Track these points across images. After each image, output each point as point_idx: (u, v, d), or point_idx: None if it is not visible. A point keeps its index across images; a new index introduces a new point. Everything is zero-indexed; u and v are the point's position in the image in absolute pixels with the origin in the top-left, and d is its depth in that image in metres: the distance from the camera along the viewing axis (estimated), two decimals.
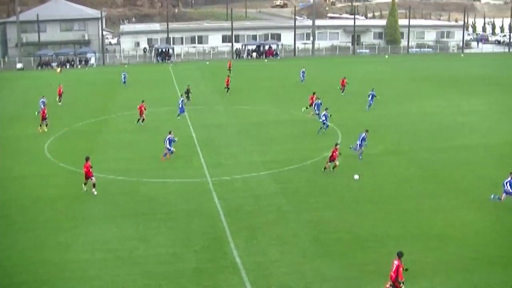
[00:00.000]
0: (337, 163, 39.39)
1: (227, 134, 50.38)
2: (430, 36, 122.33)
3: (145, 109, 52.61)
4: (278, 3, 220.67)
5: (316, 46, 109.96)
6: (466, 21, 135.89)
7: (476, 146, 46.98)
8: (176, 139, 43.14)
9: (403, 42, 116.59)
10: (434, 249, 28.77)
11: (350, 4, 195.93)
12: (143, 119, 52.62)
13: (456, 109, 59.85)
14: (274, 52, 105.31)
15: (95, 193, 35.59)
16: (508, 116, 58.01)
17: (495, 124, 54.50)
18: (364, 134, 42.88)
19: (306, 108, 57.77)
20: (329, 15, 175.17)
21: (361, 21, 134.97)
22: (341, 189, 36.91)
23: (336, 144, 40.19)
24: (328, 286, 25.36)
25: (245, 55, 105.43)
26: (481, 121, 55.28)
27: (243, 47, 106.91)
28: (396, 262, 23.83)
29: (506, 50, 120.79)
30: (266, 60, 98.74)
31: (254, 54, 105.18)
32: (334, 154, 39.28)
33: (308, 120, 54.85)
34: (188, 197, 35.70)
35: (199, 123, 52.55)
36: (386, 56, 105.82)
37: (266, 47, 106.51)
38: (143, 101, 53.58)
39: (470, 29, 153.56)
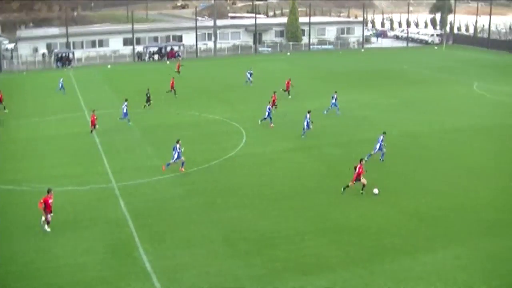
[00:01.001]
0: (365, 181, 36.03)
1: (130, 138, 49.81)
2: (331, 33, 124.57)
3: (96, 119, 50.28)
4: (178, 4, 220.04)
5: (218, 46, 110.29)
6: (365, 17, 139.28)
7: (374, 139, 48.20)
8: (183, 148, 40.80)
9: (304, 40, 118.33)
10: (339, 242, 29.57)
11: (251, 3, 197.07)
12: (94, 128, 50.48)
13: (357, 104, 61.39)
14: (176, 54, 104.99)
15: (48, 230, 31.29)
16: (405, 108, 60.09)
17: (393, 116, 56.27)
18: (382, 137, 42.63)
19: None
20: (230, 14, 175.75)
21: (262, 19, 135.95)
22: (246, 188, 37.28)
23: (361, 160, 36.68)
24: (238, 286, 25.65)
25: (147, 58, 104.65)
26: (381, 114, 56.91)
27: (145, 49, 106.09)
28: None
29: (404, 44, 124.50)
30: (168, 62, 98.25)
31: (156, 56, 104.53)
32: (360, 170, 35.88)
33: (209, 121, 54.94)
34: (92, 204, 35.14)
35: (101, 127, 51.85)
36: (288, 54, 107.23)
37: (168, 49, 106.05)
38: (93, 111, 51.26)
39: (370, 24, 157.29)
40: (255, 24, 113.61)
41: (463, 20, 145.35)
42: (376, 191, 36.16)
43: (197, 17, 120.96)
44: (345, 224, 31.80)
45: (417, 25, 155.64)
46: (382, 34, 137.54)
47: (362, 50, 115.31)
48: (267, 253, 28.35)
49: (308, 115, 48.29)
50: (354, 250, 28.65)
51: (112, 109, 58.78)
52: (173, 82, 67.10)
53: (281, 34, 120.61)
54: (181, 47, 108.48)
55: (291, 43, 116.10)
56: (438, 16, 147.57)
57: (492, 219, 32.67)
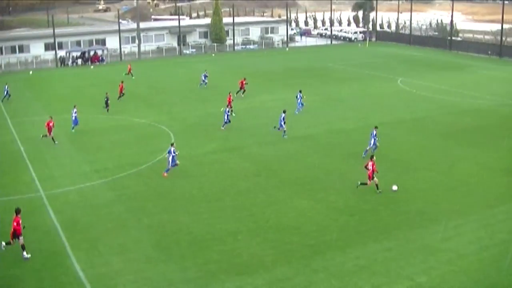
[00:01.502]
0: (376, 180, 36.19)
1: (55, 145, 48.69)
2: (255, 33, 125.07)
3: (53, 126, 48.54)
4: (100, 7, 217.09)
5: (142, 48, 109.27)
6: (289, 16, 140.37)
7: (302, 137, 48.96)
8: (177, 152, 40.54)
9: (229, 40, 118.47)
10: (272, 241, 29.78)
11: (174, 4, 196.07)
12: (48, 136, 48.74)
13: (282, 102, 61.67)
14: (100, 58, 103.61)
15: (27, 256, 28.72)
16: (328, 106, 60.90)
17: (320, 114, 56.98)
18: (374, 131, 43.30)
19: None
20: (153, 17, 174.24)
21: (186, 21, 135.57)
22: (177, 191, 37.10)
23: (372, 157, 36.89)
24: None
25: (70, 62, 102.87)
26: (308, 112, 57.42)
27: (67, 54, 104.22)
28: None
29: (328, 42, 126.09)
30: (92, 67, 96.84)
31: (80, 60, 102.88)
32: (373, 168, 36.00)
33: (137, 125, 54.37)
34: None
35: (24, 135, 50.62)
36: (213, 55, 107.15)
37: (92, 53, 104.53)
38: (51, 117, 49.49)
39: (294, 23, 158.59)
40: (179, 26, 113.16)
41: (385, 17, 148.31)
42: (395, 188, 36.56)
43: (120, 20, 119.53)
44: (277, 223, 32.04)
45: (340, 23, 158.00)
46: (306, 33, 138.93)
47: (287, 49, 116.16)
48: (201, 256, 28.28)
49: (283, 114, 48.72)
50: (290, 248, 28.89)
51: (35, 117, 57.48)
52: (121, 87, 65.16)
53: (205, 35, 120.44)
54: (105, 51, 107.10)
55: (215, 44, 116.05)
56: (360, 13, 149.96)
57: (418, 211, 33.51)
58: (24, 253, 28.55)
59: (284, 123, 48.30)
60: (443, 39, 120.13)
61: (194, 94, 67.05)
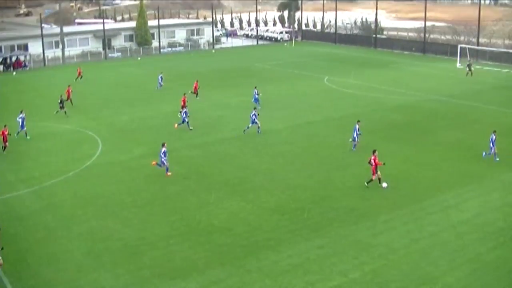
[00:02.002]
0: (380, 174, 36.97)
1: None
2: (181, 35, 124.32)
3: (9, 134, 46.52)
4: (21, 11, 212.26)
5: (66, 53, 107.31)
6: (214, 17, 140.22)
7: (231, 138, 48.96)
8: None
9: (155, 43, 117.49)
10: (204, 243, 29.65)
11: (98, 8, 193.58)
12: (5, 147, 47.24)
13: (210, 104, 61.64)
14: (23, 64, 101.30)
15: None
16: (259, 106, 60.86)
17: (245, 115, 56.76)
18: (357, 126, 44.77)
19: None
20: (77, 21, 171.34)
21: (110, 24, 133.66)
22: (106, 197, 36.50)
23: (374, 151, 37.33)
24: None
25: None
26: (236, 113, 57.45)
27: None
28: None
29: (254, 42, 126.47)
30: (14, 73, 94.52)
31: (1, 67, 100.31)
32: (376, 162, 36.65)
33: (63, 131, 53.16)
34: None
35: None
36: (139, 58, 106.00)
37: (14, 59, 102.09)
38: (5, 126, 47.37)
39: (219, 25, 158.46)
40: (103, 30, 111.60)
41: (310, 16, 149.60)
42: (385, 185, 36.88)
43: (43, 25, 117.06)
44: (209, 225, 31.93)
45: (266, 23, 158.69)
46: (232, 34, 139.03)
47: (213, 50, 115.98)
48: (133, 262, 27.90)
49: (254, 111, 49.53)
50: (223, 250, 28.82)
51: None
52: (69, 91, 63.04)
53: (130, 38, 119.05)
54: (28, 56, 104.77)
55: (141, 47, 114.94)
56: (286, 13, 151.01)
57: (349, 207, 33.96)
58: None
59: (254, 120, 49.34)
60: (368, 37, 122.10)
61: (120, 99, 66.17)
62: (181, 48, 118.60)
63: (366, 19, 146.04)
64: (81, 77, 78.88)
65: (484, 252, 28.73)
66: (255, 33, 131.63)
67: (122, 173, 40.84)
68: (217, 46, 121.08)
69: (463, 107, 60.63)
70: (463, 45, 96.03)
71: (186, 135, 50.04)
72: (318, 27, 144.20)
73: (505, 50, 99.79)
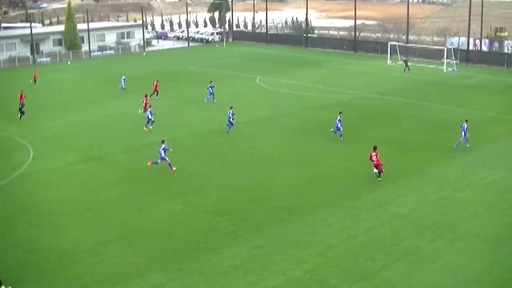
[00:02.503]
0: (382, 168, 38.69)
1: None
2: (111, 38, 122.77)
3: None
4: None
5: None
6: (145, 20, 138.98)
7: (170, 140, 48.20)
8: (170, 149, 41.59)
9: (84, 47, 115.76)
10: (144, 248, 29.41)
11: (24, 11, 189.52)
12: None
13: (140, 107, 60.86)
14: None
15: None
16: (189, 108, 60.66)
17: (181, 116, 56.78)
18: (339, 117, 47.56)
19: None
20: (3, 25, 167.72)
21: (38, 28, 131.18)
22: (42, 205, 35.77)
23: (375, 148, 38.85)
24: None
25: None
26: (169, 115, 57.13)
27: None
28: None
29: (186, 44, 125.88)
30: None
31: None
32: (377, 158, 38.31)
33: None
34: None
35: None
36: (69, 63, 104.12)
37: None
38: None
39: (150, 27, 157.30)
40: (31, 34, 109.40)
41: (241, 17, 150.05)
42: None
43: None
44: (148, 229, 31.69)
45: (197, 25, 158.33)
46: (163, 36, 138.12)
47: (144, 53, 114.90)
48: (72, 270, 27.46)
49: (230, 110, 50.09)
50: (164, 254, 28.64)
51: None
52: (22, 96, 60.73)
53: (59, 42, 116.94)
54: None
55: (70, 51, 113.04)
56: (216, 14, 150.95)
57: (287, 206, 34.20)
58: None
59: (233, 119, 50.14)
60: (299, 36, 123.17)
61: (52, 104, 64.96)
62: (112, 51, 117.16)
63: (296, 18, 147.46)
64: (35, 82, 77.04)
65: (421, 246, 29.35)
66: (186, 35, 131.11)
67: (58, 180, 40.09)
68: (148, 49, 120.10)
69: (395, 104, 61.79)
70: (393, 43, 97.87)
71: (121, 140, 49.52)
72: (249, 27, 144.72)
73: (434, 46, 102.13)
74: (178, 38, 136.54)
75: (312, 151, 45.21)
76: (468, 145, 45.52)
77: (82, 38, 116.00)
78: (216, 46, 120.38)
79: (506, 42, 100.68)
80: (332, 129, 48.20)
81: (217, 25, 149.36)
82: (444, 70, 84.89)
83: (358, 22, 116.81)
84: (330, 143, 47.14)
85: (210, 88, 62.79)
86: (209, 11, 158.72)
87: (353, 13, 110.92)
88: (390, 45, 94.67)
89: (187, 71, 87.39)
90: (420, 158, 43.64)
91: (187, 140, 48.83)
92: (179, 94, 67.88)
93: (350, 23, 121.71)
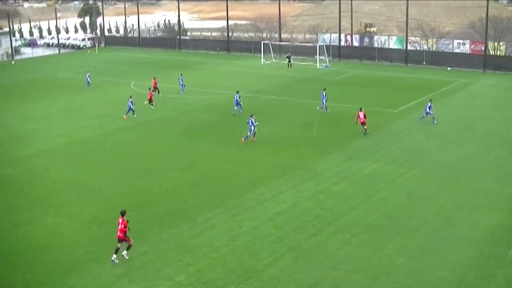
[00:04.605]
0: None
1: None
2: None
3: None
4: None
5: None
6: (12, 27, 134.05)
7: (41, 151, 46.97)
8: (256, 123, 47.07)
9: None
10: (23, 264, 28.20)
11: None
12: None
13: (17, 118, 58.84)
14: None
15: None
16: (64, 117, 58.81)
17: (54, 126, 55.03)
18: (324, 92, 56.60)
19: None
20: None
21: None
22: None
23: (361, 109, 49.08)
24: None
25: None
26: (46, 124, 55.38)
27: None
28: (120, 220, 27.89)
29: (57, 51, 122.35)
30: None
31: None
32: (363, 116, 48.30)
33: None
34: None
35: None
36: None
37: None
38: None
39: (18, 34, 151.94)
40: None
41: (112, 21, 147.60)
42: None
43: None
44: (27, 244, 30.34)
45: (67, 30, 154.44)
46: (32, 43, 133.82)
47: (13, 62, 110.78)
48: None
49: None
50: (44, 269, 27.58)
51: None
52: None
53: None
54: None
55: None
56: (87, 20, 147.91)
57: (167, 211, 33.94)
58: (114, 256, 28.02)
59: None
60: (172, 39, 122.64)
61: None
62: None
63: (169, 21, 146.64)
64: None
65: (304, 240, 29.81)
66: (56, 42, 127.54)
67: None
68: (17, 57, 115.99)
69: (270, 102, 62.62)
70: (266, 42, 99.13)
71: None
72: (122, 32, 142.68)
73: (306, 44, 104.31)
74: (48, 45, 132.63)
75: (189, 154, 45.04)
76: (435, 122, 52.07)
77: None
78: (88, 52, 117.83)
79: (375, 37, 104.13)
80: (318, 108, 56.61)
81: (88, 31, 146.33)
82: (317, 67, 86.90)
83: (231, 22, 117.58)
84: (208, 145, 47.16)
85: (181, 81, 68.44)
86: (79, 16, 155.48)
87: (225, 13, 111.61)
88: (263, 44, 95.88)
89: (60, 78, 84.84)
90: (297, 154, 44.41)
91: (66, 149, 47.38)
92: (54, 103, 65.81)
93: (223, 23, 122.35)
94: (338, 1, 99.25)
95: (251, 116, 48.08)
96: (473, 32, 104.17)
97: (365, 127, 48.54)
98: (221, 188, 37.49)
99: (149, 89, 63.20)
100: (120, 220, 27.95)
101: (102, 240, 30.55)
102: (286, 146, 46.27)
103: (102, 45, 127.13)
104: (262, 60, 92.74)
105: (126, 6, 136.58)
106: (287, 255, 28.36)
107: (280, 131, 50.78)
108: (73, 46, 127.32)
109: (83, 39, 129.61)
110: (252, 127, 47.63)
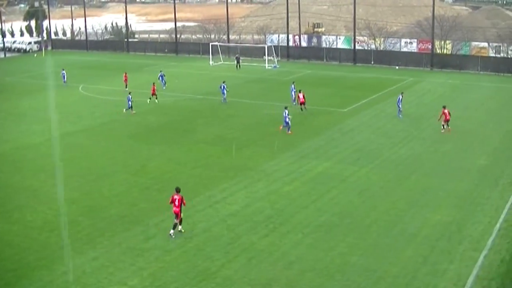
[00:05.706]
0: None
1: None
2: None
3: None
4: None
5: None
6: None
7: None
8: (290, 116, 49.65)
9: None
10: None
11: None
12: None
13: None
14: None
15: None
16: (11, 122, 57.48)
17: (5, 131, 54.13)
18: (292, 85, 60.83)
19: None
20: None
21: None
22: None
23: (300, 90, 56.61)
24: None
25: None
26: None
27: None
28: (176, 197, 30.47)
29: (2, 55, 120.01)
30: None
31: None
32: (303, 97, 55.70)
33: None
34: None
35: None
36: None
37: None
38: None
39: None
40: None
41: (59, 24, 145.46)
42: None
43: None
44: None
45: (12, 34, 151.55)
46: None
47: None
48: None
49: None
50: None
51: None
52: None
53: None
54: None
55: None
56: (33, 23, 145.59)
57: (118, 215, 33.60)
58: (172, 231, 30.41)
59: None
60: (120, 41, 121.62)
61: None
62: None
63: (116, 23, 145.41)
64: None
65: (257, 241, 29.84)
66: (1, 45, 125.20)
67: None
68: None
69: (219, 103, 62.48)
70: (214, 43, 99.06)
71: None
72: (68, 35, 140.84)
73: (254, 44, 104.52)
74: None
75: (139, 157, 44.68)
76: (401, 116, 54.23)
77: None
78: (35, 55, 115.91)
79: (324, 37, 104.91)
80: (294, 103, 58.29)
81: (35, 34, 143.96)
82: (266, 67, 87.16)
83: (179, 24, 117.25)
84: (156, 147, 46.86)
85: (161, 76, 71.35)
86: (25, 19, 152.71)
87: (173, 15, 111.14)
88: (212, 45, 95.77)
89: (5, 83, 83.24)
90: (247, 155, 44.46)
91: (11, 155, 46.55)
92: (0, 108, 64.58)
93: (171, 25, 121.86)
94: (285, 2, 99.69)
95: (285, 108, 50.20)
96: (420, 31, 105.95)
97: (305, 105, 55.65)
98: (172, 191, 37.15)
99: (153, 83, 64.49)
100: (176, 197, 30.34)
101: (53, 245, 30.06)
102: (237, 147, 46.25)
103: (49, 48, 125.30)
104: (211, 62, 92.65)
105: (73, 9, 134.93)
106: (240, 256, 28.33)
107: (229, 132, 50.76)
108: (19, 50, 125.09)
109: (30, 43, 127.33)
110: (287, 119, 49.09)
